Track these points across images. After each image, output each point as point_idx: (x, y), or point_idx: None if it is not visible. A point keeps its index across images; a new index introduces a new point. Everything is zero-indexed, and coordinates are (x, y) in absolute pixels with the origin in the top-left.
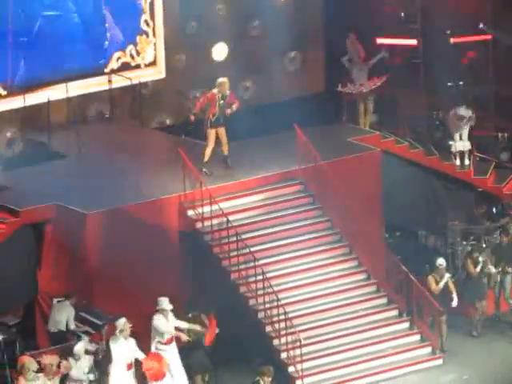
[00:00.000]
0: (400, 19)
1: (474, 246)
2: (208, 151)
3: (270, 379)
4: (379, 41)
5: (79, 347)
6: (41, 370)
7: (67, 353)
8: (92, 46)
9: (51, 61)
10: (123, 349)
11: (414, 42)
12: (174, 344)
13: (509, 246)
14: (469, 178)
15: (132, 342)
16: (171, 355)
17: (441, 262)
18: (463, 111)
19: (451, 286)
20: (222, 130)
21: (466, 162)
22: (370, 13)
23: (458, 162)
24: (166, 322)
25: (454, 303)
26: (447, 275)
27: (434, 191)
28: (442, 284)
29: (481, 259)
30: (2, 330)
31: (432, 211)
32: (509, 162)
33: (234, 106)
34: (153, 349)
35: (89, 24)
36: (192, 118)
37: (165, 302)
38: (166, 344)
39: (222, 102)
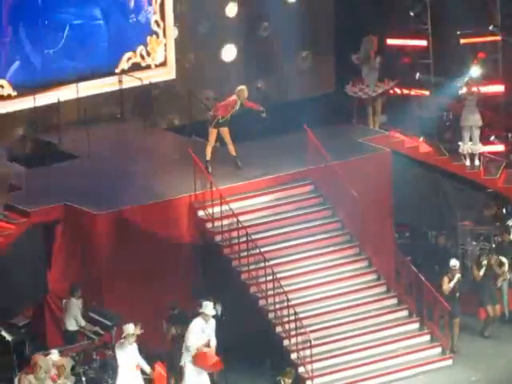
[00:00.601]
0: (410, 20)
1: (482, 249)
2: (209, 149)
3: (290, 381)
4: (389, 41)
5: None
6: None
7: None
8: (104, 46)
9: (62, 61)
10: (129, 354)
11: (423, 42)
12: None
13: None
14: (479, 178)
15: (135, 346)
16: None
17: (454, 263)
18: None
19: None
20: (225, 130)
21: (476, 162)
22: (380, 13)
23: (467, 162)
24: (201, 330)
25: None
26: (457, 275)
27: (444, 192)
28: (452, 284)
29: (484, 263)
30: (11, 330)
31: (442, 212)
32: None
33: (264, 115)
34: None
35: (102, 24)
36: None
37: (209, 307)
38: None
39: (237, 107)
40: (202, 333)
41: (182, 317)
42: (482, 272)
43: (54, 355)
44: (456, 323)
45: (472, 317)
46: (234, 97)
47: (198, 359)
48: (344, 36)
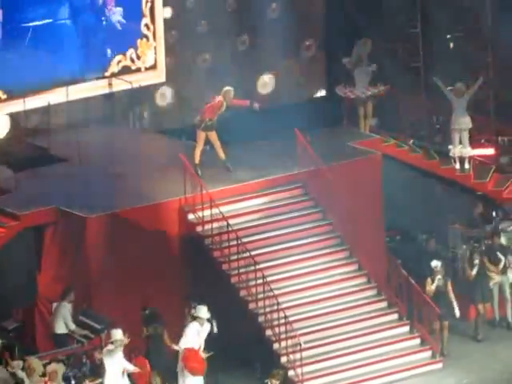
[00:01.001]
0: (400, 23)
1: (473, 248)
2: (198, 152)
3: (277, 382)
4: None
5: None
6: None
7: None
8: (93, 50)
9: (51, 64)
10: (116, 359)
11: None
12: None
13: (501, 247)
14: (469, 181)
15: (120, 352)
16: None
17: (435, 264)
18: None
19: (451, 295)
20: (213, 135)
21: (466, 165)
22: (370, 17)
23: (457, 165)
24: (196, 333)
25: (457, 314)
26: (438, 277)
27: (435, 195)
28: (434, 286)
29: (476, 262)
30: (1, 334)
31: (432, 215)
32: (509, 165)
33: (256, 106)
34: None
35: (90, 28)
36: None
37: (203, 310)
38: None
39: (223, 109)
40: (197, 336)
41: (154, 316)
42: (474, 271)
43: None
44: (445, 326)
45: (462, 319)
46: (219, 98)
47: (185, 356)
48: (335, 39)
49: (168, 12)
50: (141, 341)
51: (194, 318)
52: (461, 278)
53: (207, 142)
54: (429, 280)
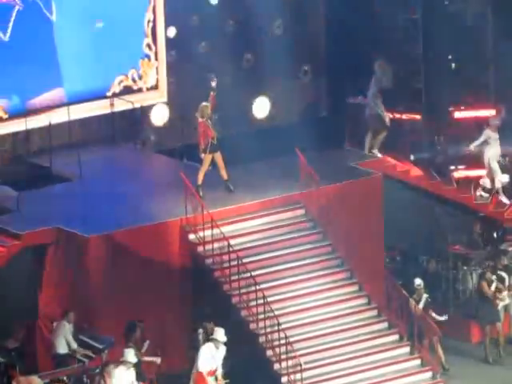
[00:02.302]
0: (402, 44)
1: (488, 267)
2: (201, 175)
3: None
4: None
5: None
6: None
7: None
8: (94, 70)
9: (53, 84)
10: (125, 377)
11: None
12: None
13: (505, 268)
14: (471, 202)
15: (132, 372)
16: None
17: (418, 282)
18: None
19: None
20: (218, 155)
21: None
22: (371, 37)
23: (504, 199)
24: (210, 355)
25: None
26: (425, 295)
27: (435, 216)
28: (421, 304)
29: (494, 277)
30: (2, 353)
31: (433, 236)
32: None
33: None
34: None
35: (91, 47)
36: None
37: (220, 333)
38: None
39: (210, 122)
40: (211, 358)
41: (132, 329)
42: (493, 287)
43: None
44: (436, 341)
45: (463, 340)
46: (200, 119)
47: (194, 380)
48: (336, 60)
49: (172, 31)
50: None
51: (209, 340)
52: (463, 298)
53: (213, 163)
54: (411, 300)
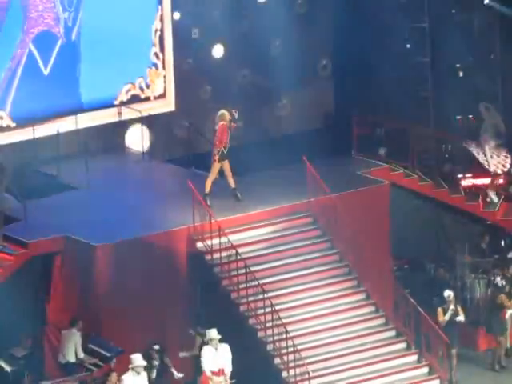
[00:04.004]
0: (409, 52)
1: (504, 277)
2: (209, 183)
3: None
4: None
5: None
6: None
7: None
8: (102, 78)
9: (61, 93)
10: (138, 382)
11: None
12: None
13: None
14: (478, 211)
15: (144, 375)
16: None
17: (448, 293)
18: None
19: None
20: (226, 164)
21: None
22: (379, 46)
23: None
24: (213, 355)
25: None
26: (451, 307)
27: (443, 224)
28: (447, 316)
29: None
30: (10, 361)
31: (440, 244)
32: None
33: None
34: None
35: (99, 56)
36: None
37: (213, 332)
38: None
39: (229, 131)
40: (212, 359)
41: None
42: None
43: None
44: (454, 354)
45: (471, 349)
46: (221, 123)
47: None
48: (344, 68)
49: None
50: None
51: (206, 343)
52: (471, 307)
53: (220, 171)
54: (440, 310)
